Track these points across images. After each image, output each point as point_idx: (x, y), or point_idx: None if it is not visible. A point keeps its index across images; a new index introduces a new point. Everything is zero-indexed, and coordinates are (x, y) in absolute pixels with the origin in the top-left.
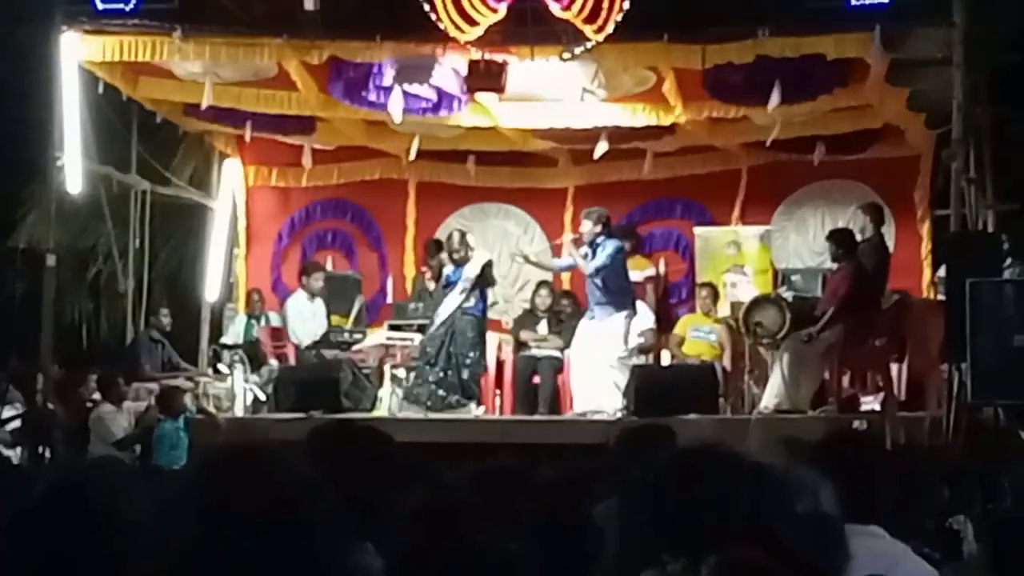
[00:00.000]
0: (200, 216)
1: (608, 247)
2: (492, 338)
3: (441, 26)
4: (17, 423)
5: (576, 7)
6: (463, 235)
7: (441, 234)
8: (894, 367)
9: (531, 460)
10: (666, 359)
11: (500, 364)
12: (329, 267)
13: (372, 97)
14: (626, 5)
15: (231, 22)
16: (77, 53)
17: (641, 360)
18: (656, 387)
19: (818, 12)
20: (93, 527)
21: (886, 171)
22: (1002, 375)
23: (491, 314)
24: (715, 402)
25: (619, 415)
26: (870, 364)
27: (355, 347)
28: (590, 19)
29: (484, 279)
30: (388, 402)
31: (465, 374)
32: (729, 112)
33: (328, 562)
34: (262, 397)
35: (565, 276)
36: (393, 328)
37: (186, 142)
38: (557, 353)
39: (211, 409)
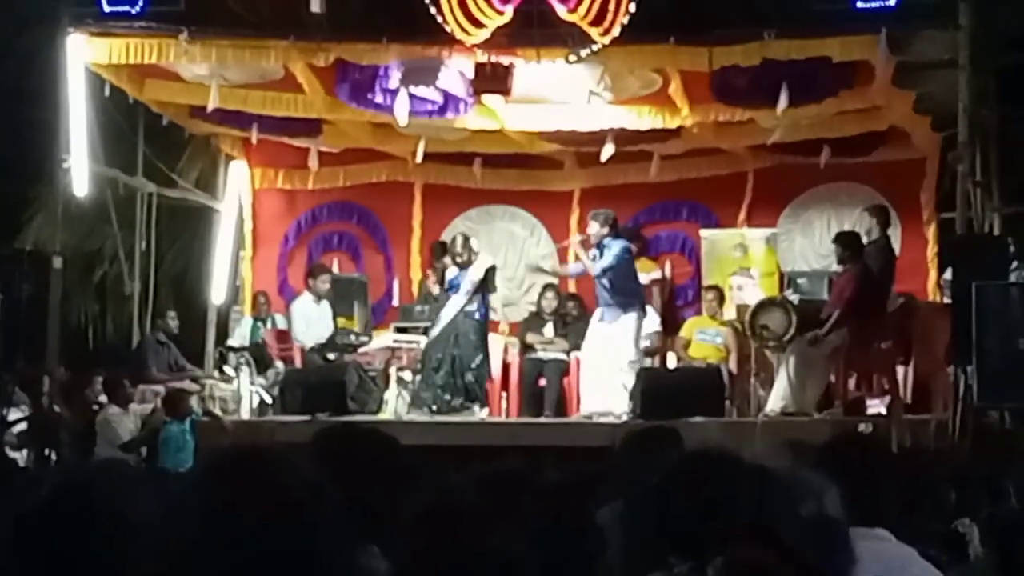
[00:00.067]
0: (206, 218)
1: (614, 248)
2: (498, 341)
3: (447, 28)
4: (23, 425)
5: (582, 9)
6: (466, 239)
7: (447, 236)
8: (900, 370)
9: (537, 463)
10: (672, 362)
11: (506, 367)
12: (335, 269)
13: (378, 99)
14: (632, 8)
15: (237, 24)
16: (83, 55)
17: (647, 362)
18: (662, 390)
19: (824, 14)
20: (99, 529)
21: (892, 174)
22: (1008, 378)
23: (494, 316)
24: (721, 405)
25: (625, 417)
26: (876, 367)
27: (361, 350)
28: (596, 21)
29: (486, 284)
30: (394, 404)
31: (469, 377)
32: (735, 115)
33: (333, 564)
34: (268, 399)
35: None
36: (399, 331)
37: (192, 144)
38: (563, 356)
39: (217, 411)
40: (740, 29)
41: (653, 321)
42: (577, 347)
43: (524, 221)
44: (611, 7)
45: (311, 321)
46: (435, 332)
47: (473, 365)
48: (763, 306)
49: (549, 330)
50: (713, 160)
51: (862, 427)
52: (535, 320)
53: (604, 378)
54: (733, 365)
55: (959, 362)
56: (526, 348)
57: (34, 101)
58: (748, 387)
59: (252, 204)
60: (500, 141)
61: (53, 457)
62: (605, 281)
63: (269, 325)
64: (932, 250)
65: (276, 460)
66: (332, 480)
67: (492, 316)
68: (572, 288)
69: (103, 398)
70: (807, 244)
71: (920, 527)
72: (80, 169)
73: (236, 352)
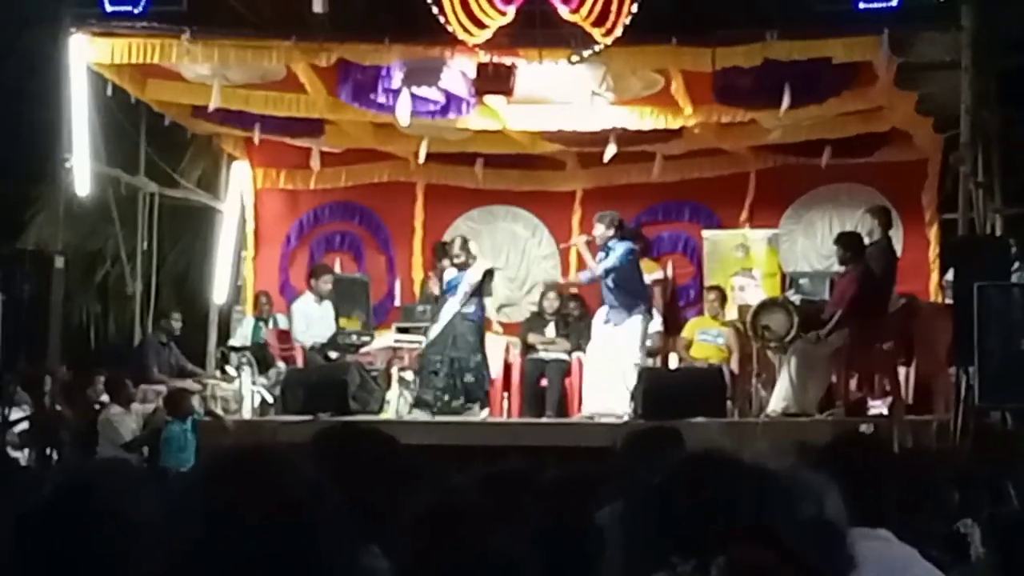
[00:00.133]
0: (208, 218)
1: (618, 249)
2: (500, 341)
3: (449, 29)
4: (25, 425)
5: (584, 10)
6: (465, 241)
7: (449, 237)
8: (902, 370)
9: (538, 463)
10: (674, 362)
11: (508, 367)
12: (337, 269)
13: (380, 100)
14: (634, 8)
15: (239, 24)
16: (86, 55)
17: (649, 363)
18: (664, 390)
19: (826, 15)
20: (100, 529)
21: (894, 174)
22: (1010, 379)
23: (492, 316)
24: (723, 405)
25: (626, 418)
26: (878, 367)
27: (363, 349)
28: (598, 22)
29: (483, 287)
30: (396, 404)
31: (468, 378)
32: (737, 116)
33: (334, 564)
34: (270, 399)
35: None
36: (401, 331)
37: (194, 144)
38: (565, 356)
39: (219, 411)
40: (742, 30)
41: (655, 321)
42: (579, 347)
43: (526, 221)
44: (613, 7)
45: (312, 321)
46: (433, 335)
47: (471, 366)
48: (765, 307)
49: (551, 330)
50: (715, 161)
51: (864, 428)
52: (537, 320)
53: (607, 379)
54: (735, 365)
55: (961, 363)
56: (528, 348)
57: (36, 101)
58: (750, 388)
59: (254, 204)
60: (502, 141)
61: (55, 457)
62: (610, 282)
63: (271, 325)
64: (934, 251)
65: (277, 460)
66: (333, 480)
67: (492, 317)
68: (573, 288)
69: (105, 398)
70: (809, 245)
71: (921, 528)
72: (82, 169)
73: (238, 352)
